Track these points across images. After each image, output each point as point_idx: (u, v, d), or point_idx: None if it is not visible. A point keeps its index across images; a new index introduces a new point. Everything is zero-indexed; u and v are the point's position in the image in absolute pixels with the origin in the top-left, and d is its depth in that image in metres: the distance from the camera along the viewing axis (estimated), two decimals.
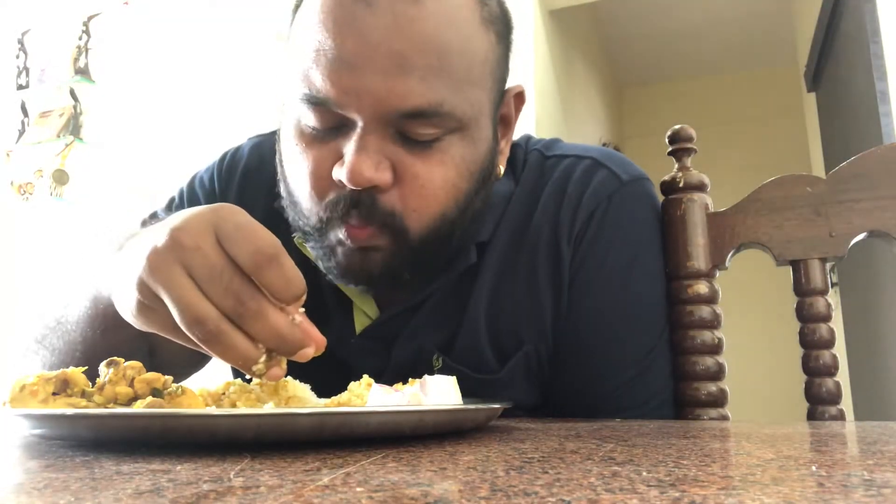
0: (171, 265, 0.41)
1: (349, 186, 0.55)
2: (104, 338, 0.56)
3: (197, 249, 0.41)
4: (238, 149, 0.79)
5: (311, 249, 0.62)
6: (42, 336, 0.62)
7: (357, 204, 0.56)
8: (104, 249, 0.55)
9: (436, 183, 0.57)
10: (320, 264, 0.61)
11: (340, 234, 0.58)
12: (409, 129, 0.55)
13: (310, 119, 0.57)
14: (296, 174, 0.59)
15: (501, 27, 0.61)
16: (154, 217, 0.75)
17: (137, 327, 0.46)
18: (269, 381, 0.43)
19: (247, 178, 0.75)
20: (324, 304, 0.69)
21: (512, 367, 0.65)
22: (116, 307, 0.47)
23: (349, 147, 0.55)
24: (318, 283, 0.67)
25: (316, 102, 0.55)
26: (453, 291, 0.66)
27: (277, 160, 0.64)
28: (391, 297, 0.68)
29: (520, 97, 0.67)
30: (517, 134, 0.75)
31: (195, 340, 0.42)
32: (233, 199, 0.74)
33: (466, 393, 0.64)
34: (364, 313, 0.68)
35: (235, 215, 0.43)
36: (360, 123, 0.55)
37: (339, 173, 0.55)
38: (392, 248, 0.58)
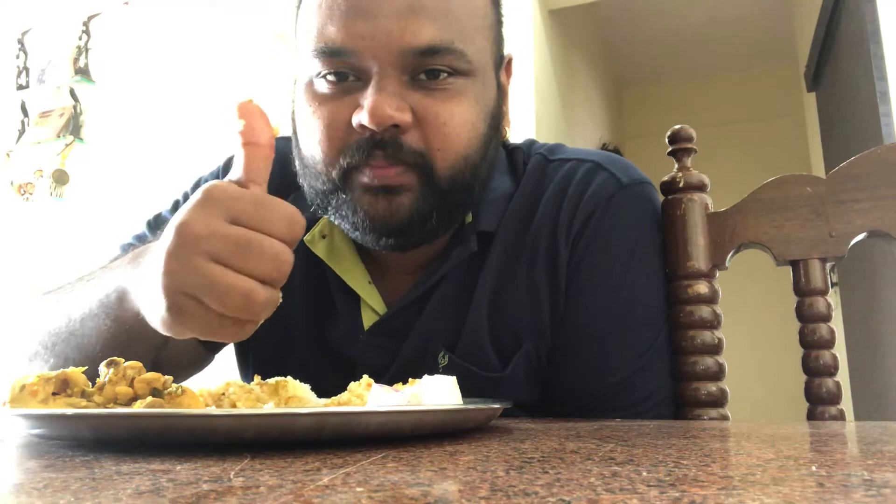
0: (192, 257, 0.41)
1: (371, 127, 0.56)
2: (124, 355, 0.56)
3: (212, 234, 0.42)
4: None
5: (332, 213, 0.63)
6: (52, 343, 0.62)
7: (381, 145, 0.57)
8: (117, 267, 0.55)
9: (456, 121, 0.59)
10: (345, 226, 0.62)
11: (365, 177, 0.58)
12: (425, 67, 0.58)
13: (323, 71, 0.59)
14: (312, 132, 0.60)
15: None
16: (158, 218, 0.76)
17: (176, 336, 0.45)
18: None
19: None
20: (331, 301, 0.69)
21: (515, 365, 0.66)
22: (151, 322, 0.46)
23: (367, 92, 0.57)
24: (325, 280, 0.69)
25: (331, 54, 0.57)
26: (459, 284, 0.67)
27: (292, 136, 0.65)
28: (398, 290, 0.68)
29: (509, 66, 0.70)
30: (520, 138, 0.76)
31: (244, 318, 0.42)
32: None
33: (472, 391, 0.65)
34: (372, 310, 0.69)
35: (226, 190, 0.44)
36: (375, 70, 0.57)
37: (360, 117, 0.56)
38: (420, 189, 0.59)
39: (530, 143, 0.75)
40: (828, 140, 2.97)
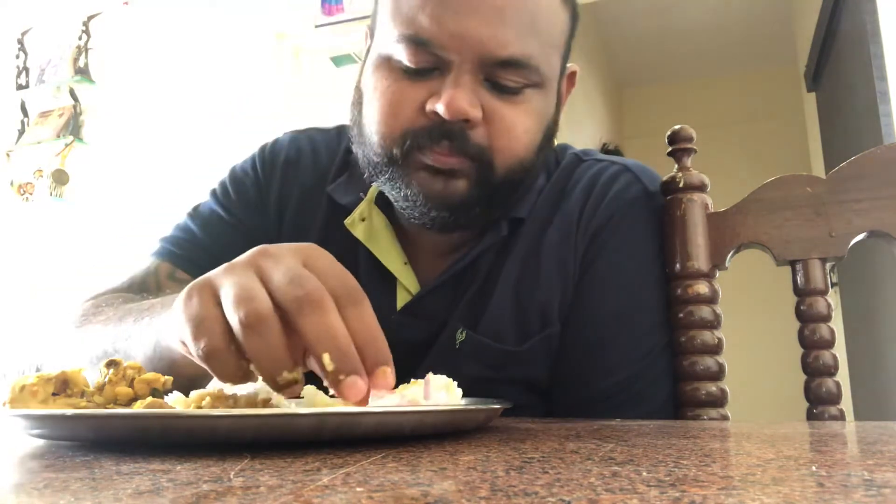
0: (206, 294, 0.39)
1: (445, 117, 0.59)
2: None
3: (226, 276, 0.39)
4: (276, 141, 0.82)
5: (384, 183, 0.65)
6: (98, 358, 0.61)
7: (449, 135, 0.60)
8: (157, 316, 0.53)
9: (519, 127, 0.63)
10: (395, 195, 0.64)
11: (427, 159, 0.61)
12: (499, 77, 0.61)
13: (405, 58, 0.61)
14: (381, 108, 0.63)
15: (573, 11, 0.67)
16: (198, 209, 0.78)
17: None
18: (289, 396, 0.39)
19: (287, 167, 0.78)
20: (362, 282, 0.70)
21: (534, 344, 0.67)
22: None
23: (446, 83, 0.60)
24: (356, 262, 0.71)
25: (418, 42, 0.60)
26: (488, 268, 0.69)
27: (353, 106, 0.68)
28: (432, 272, 0.71)
29: (571, 78, 0.72)
30: None
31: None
32: (276, 187, 0.77)
33: (487, 365, 0.66)
34: (406, 290, 0.71)
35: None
36: (455, 64, 0.59)
37: (436, 105, 0.59)
38: (475, 178, 0.62)
39: (564, 146, 0.78)
40: (828, 140, 2.97)
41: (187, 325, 0.39)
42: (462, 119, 0.59)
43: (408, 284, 0.71)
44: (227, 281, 0.39)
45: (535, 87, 0.63)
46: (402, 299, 0.71)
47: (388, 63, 0.63)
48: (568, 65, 0.71)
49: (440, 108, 0.59)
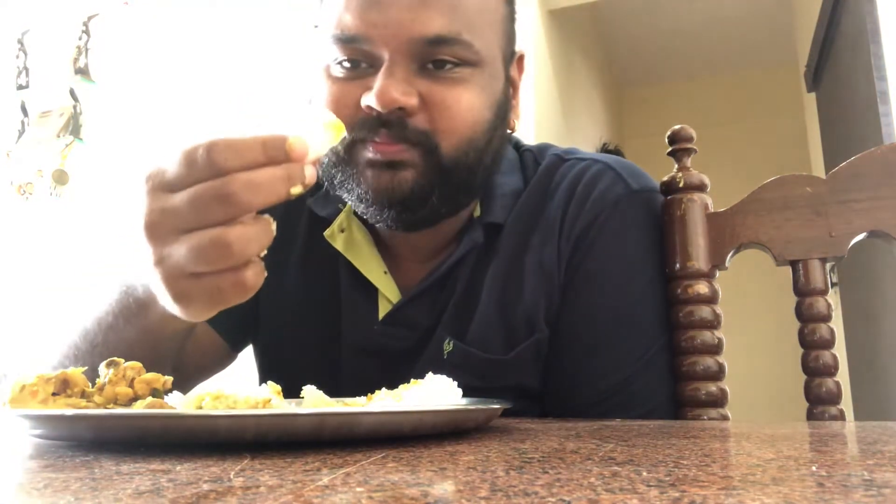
0: (164, 243, 0.42)
1: (378, 109, 0.58)
2: (149, 359, 0.55)
3: (162, 214, 0.42)
4: None
5: (339, 188, 0.65)
6: (73, 356, 0.62)
7: (386, 124, 0.60)
8: (130, 276, 0.56)
9: (462, 105, 0.62)
10: (351, 199, 0.64)
11: (369, 152, 0.61)
12: (433, 57, 0.60)
13: (339, 58, 0.61)
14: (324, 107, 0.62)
15: None
16: None
17: (202, 319, 0.45)
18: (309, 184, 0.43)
19: None
20: (343, 294, 0.71)
21: (522, 351, 0.66)
22: (181, 317, 0.46)
23: (377, 77, 0.59)
24: (336, 275, 0.71)
25: (346, 40, 0.60)
26: (470, 274, 0.68)
27: None
28: (412, 280, 0.70)
29: (521, 62, 0.72)
30: (531, 142, 0.78)
31: (234, 265, 0.42)
32: None
33: (476, 374, 0.65)
34: (387, 300, 0.70)
35: (153, 169, 0.43)
36: (386, 57, 0.59)
37: (368, 98, 0.59)
38: (423, 166, 0.61)
39: (545, 147, 0.76)
40: (828, 140, 2.97)
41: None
42: (396, 108, 0.59)
43: (388, 294, 0.70)
44: (179, 260, 0.41)
45: (472, 65, 0.62)
46: (383, 309, 0.70)
47: (327, 70, 0.63)
48: (515, 49, 0.70)
49: (371, 100, 0.58)
